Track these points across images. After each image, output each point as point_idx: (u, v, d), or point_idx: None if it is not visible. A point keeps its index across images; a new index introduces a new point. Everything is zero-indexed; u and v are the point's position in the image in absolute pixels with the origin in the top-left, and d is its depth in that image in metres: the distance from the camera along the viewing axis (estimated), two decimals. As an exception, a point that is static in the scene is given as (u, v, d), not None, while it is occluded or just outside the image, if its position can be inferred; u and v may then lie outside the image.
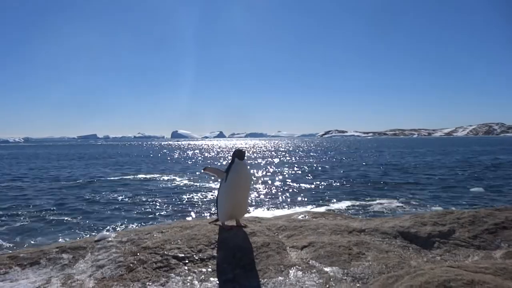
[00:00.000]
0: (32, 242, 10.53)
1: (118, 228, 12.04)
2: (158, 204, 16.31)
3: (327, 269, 3.32)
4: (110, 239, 4.04)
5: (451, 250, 3.72)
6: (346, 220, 4.72)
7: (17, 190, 21.21)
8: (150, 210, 15.25)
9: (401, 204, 15.29)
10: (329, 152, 70.88)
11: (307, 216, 6.49)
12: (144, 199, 17.77)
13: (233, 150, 4.20)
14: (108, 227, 12.22)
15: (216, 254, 3.56)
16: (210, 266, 3.41)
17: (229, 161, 4.14)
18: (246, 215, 4.97)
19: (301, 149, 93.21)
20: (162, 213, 14.62)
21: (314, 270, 3.29)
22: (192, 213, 14.41)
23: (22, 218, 13.81)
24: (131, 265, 3.48)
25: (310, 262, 3.45)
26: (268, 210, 14.94)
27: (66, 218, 13.85)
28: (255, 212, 14.12)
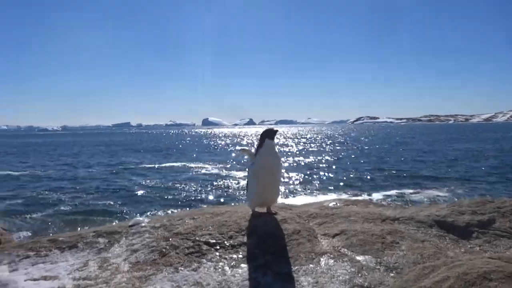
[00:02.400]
0: (70, 226, 10.99)
1: (150, 214, 12.33)
2: (190, 191, 16.66)
3: (359, 257, 3.25)
4: (143, 224, 4.13)
5: (491, 241, 3.56)
6: (379, 208, 4.62)
7: (51, 178, 22.18)
8: (182, 196, 15.61)
9: (440, 194, 14.86)
10: (362, 139, 69.64)
11: (338, 204, 6.41)
12: (176, 185, 18.22)
13: (264, 130, 3.88)
14: (142, 213, 12.53)
15: (246, 241, 3.57)
16: (240, 253, 3.42)
17: (259, 141, 3.84)
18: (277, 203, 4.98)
19: (333, 136, 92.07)
20: (193, 199, 14.97)
21: (346, 259, 3.23)
22: (222, 199, 14.67)
23: (63, 202, 14.48)
24: (163, 250, 3.54)
25: (342, 250, 3.39)
26: (299, 197, 14.92)
27: (102, 202, 14.41)
28: (285, 200, 14.15)
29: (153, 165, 28.92)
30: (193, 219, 4.17)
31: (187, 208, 13.01)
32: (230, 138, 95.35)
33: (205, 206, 12.69)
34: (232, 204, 13.38)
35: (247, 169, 4.04)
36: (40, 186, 18.58)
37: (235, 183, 18.78)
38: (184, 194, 16.00)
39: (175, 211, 12.38)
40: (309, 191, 16.45)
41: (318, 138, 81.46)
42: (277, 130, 3.84)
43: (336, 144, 54.79)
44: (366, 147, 46.47)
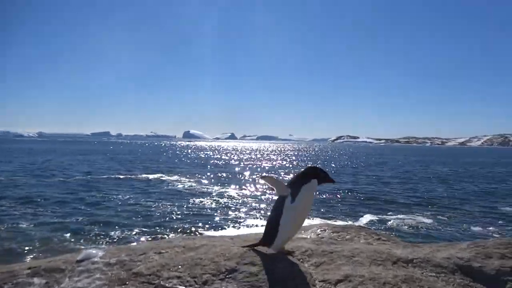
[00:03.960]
0: (2, 258, 8.33)
1: (108, 242, 10.65)
2: (162, 210, 15.10)
3: (372, 318, 2.50)
4: (95, 259, 3.28)
5: None
6: (386, 246, 3.89)
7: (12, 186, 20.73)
8: (151, 216, 14.00)
9: (430, 221, 14.28)
10: (345, 157, 69.75)
11: (327, 231, 5.70)
12: (148, 203, 16.72)
13: (310, 166, 3.23)
14: (98, 240, 10.85)
15: (225, 289, 2.77)
16: (217, 305, 2.63)
17: (298, 176, 3.20)
18: (258, 232, 4.25)
19: (316, 153, 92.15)
20: (164, 221, 13.34)
21: (355, 320, 2.48)
22: (200, 224, 13.10)
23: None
24: (116, 298, 2.71)
25: (348, 306, 2.64)
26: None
27: (52, 222, 12.50)
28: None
29: (126, 176, 27.73)
30: (160, 253, 3.34)
31: (156, 233, 11.60)
32: (211, 151, 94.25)
33: (177, 234, 11.26)
34: (210, 232, 11.94)
35: (279, 203, 3.16)
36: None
37: (214, 202, 17.70)
38: (155, 215, 14.33)
39: (142, 239, 10.89)
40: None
41: (297, 154, 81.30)
42: (334, 181, 3.29)
43: (320, 162, 54.49)
44: (349, 166, 46.27)
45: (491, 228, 13.53)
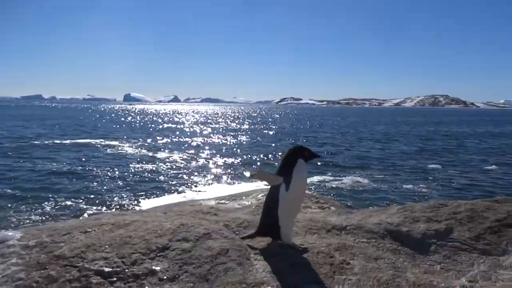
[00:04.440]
0: None
1: (30, 222, 9.26)
2: (95, 181, 13.79)
3: (304, 289, 2.51)
4: (12, 242, 2.98)
5: (451, 256, 3.04)
6: (322, 213, 3.94)
7: None
8: (82, 189, 12.69)
9: (367, 181, 14.99)
10: (290, 118, 70.97)
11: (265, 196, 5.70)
12: (79, 173, 15.09)
13: (294, 147, 3.12)
14: (18, 220, 9.50)
15: (156, 268, 2.64)
16: (146, 286, 2.49)
17: (285, 160, 3.06)
18: (187, 203, 4.15)
19: (260, 115, 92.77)
20: (97, 194, 12.15)
21: (288, 292, 2.47)
22: (136, 195, 12.14)
23: None
24: (34, 285, 2.48)
25: (282, 277, 2.62)
26: (218, 185, 14.03)
27: None
28: (203, 190, 13.17)
29: (60, 142, 26.15)
30: (85, 233, 3.11)
31: (85, 213, 10.26)
32: (153, 114, 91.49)
33: (108, 209, 10.35)
34: (147, 202, 11.22)
35: (274, 193, 3.02)
36: None
37: (154, 169, 16.95)
38: (87, 186, 13.10)
39: (67, 217, 9.53)
40: (229, 176, 15.60)
41: (241, 117, 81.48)
42: (319, 155, 3.20)
43: (264, 124, 54.99)
44: (294, 127, 47.21)
45: (421, 185, 14.53)
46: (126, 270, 2.61)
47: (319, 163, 18.15)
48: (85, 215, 9.94)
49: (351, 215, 3.70)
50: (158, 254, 2.77)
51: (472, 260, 2.99)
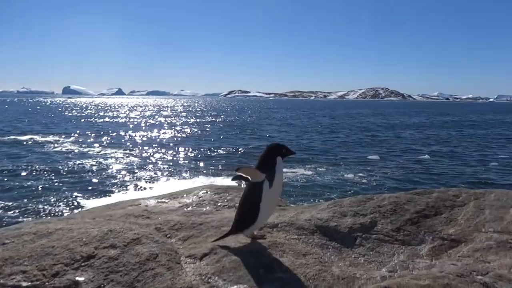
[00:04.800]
0: None
1: None
2: (21, 183, 12.79)
3: (233, 289, 2.54)
4: None
5: (374, 248, 3.21)
6: (255, 212, 3.98)
7: None
8: (7, 192, 11.64)
9: (310, 173, 15.40)
10: (237, 110, 70.95)
11: (209, 192, 5.71)
12: (8, 173, 14.03)
13: (271, 144, 3.21)
14: None
15: (79, 279, 2.54)
16: (68, 299, 2.40)
17: (264, 158, 3.10)
18: (127, 202, 4.04)
19: (207, 108, 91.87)
20: (19, 197, 11.29)
21: (216, 294, 2.49)
22: (71, 198, 11.40)
23: None
24: None
25: (211, 280, 2.63)
26: (162, 183, 13.75)
27: None
28: (152, 187, 12.89)
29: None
30: (3, 245, 2.91)
31: (5, 221, 9.26)
32: (95, 108, 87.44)
33: (31, 217, 9.46)
34: (79, 208, 10.35)
35: (256, 189, 3.04)
36: None
37: (90, 168, 16.08)
38: (11, 189, 11.99)
39: None
40: (173, 173, 15.35)
41: (187, 110, 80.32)
42: (295, 152, 3.33)
43: (210, 118, 54.57)
44: (241, 120, 47.32)
45: (360, 174, 15.24)
46: (47, 284, 2.49)
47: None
48: (4, 224, 9.17)
49: (283, 212, 3.79)
50: (82, 264, 2.67)
51: (393, 251, 3.18)
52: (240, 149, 21.80)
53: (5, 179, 13.45)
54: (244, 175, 3.15)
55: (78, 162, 17.11)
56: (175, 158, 19.00)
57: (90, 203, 10.29)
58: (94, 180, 13.81)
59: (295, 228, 3.42)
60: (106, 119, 50.77)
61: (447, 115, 74.01)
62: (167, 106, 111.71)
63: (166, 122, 45.92)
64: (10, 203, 10.90)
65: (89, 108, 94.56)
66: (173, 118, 53.33)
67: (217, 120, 49.80)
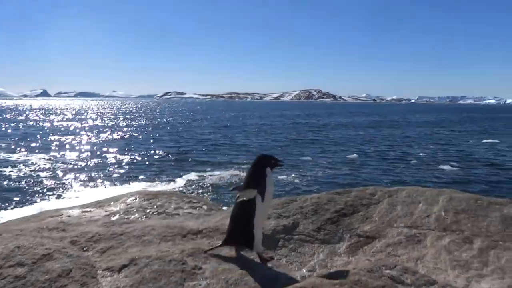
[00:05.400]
0: None
1: None
2: None
3: (151, 302, 2.48)
4: None
5: (296, 249, 3.31)
6: (180, 218, 3.93)
7: None
8: None
9: (239, 173, 15.46)
10: (172, 112, 69.39)
11: (137, 199, 5.55)
12: None
13: (260, 156, 3.21)
14: None
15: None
16: (-35, 326, 2.18)
17: (254, 170, 3.13)
18: (48, 213, 3.81)
19: (140, 110, 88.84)
20: None
21: (133, 308, 2.41)
22: None
23: None
24: None
25: (130, 293, 2.55)
26: (89, 190, 13.04)
27: None
28: (77, 195, 12.15)
29: None
30: None
31: None
32: (15, 112, 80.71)
33: None
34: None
35: (249, 203, 3.03)
36: None
37: (11, 175, 14.87)
38: None
39: None
40: (102, 179, 14.59)
41: (118, 112, 77.18)
42: (283, 163, 3.28)
43: (143, 120, 52.83)
44: (171, 124, 46.36)
45: (293, 175, 15.64)
46: None
47: (199, 159, 18.23)
48: None
49: (208, 218, 3.78)
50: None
51: (314, 250, 3.30)
52: (172, 152, 21.37)
53: None
54: (239, 194, 3.15)
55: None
56: (103, 163, 18.12)
57: (8, 215, 9.47)
58: (12, 190, 12.69)
59: (219, 233, 3.42)
60: (29, 122, 47.11)
61: (373, 115, 78.75)
62: (97, 108, 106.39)
63: (95, 125, 43.67)
64: None
65: (8, 111, 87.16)
66: (102, 121, 50.88)
67: (150, 122, 48.41)
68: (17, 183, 13.59)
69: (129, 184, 13.18)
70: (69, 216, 5.01)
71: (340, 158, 20.90)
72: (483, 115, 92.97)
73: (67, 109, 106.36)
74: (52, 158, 19.39)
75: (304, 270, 3.01)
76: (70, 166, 17.37)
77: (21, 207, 10.95)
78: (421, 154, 22.59)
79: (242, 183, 3.19)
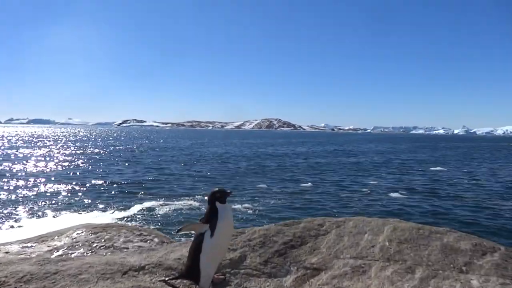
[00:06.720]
0: None
1: None
2: None
3: None
4: None
5: (242, 283, 3.24)
6: (121, 254, 3.75)
7: None
8: None
9: (192, 203, 15.16)
10: (127, 140, 67.65)
11: (84, 233, 5.32)
12: None
13: (211, 191, 3.17)
14: None
15: None
16: None
17: (207, 208, 3.14)
18: None
19: (95, 138, 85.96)
20: None
21: None
22: None
23: None
24: None
25: None
26: (39, 219, 12.32)
27: None
28: (20, 228, 11.32)
29: None
30: None
31: None
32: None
33: None
34: None
35: (198, 238, 3.08)
36: None
37: None
38: None
39: None
40: (48, 210, 13.76)
41: (73, 140, 74.37)
42: (230, 192, 3.19)
43: (89, 148, 51.09)
44: (131, 152, 45.17)
45: (246, 204, 15.52)
46: None
47: (153, 189, 17.75)
48: None
49: (152, 252, 3.64)
50: None
51: (260, 285, 3.24)
52: (125, 182, 20.68)
53: None
54: (188, 231, 3.29)
55: None
56: (51, 193, 17.17)
57: None
58: None
59: (162, 269, 3.30)
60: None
61: (331, 144, 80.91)
62: (49, 136, 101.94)
63: (45, 154, 41.68)
64: None
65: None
66: (54, 149, 48.72)
67: (104, 151, 46.93)
68: None
69: (79, 214, 12.52)
70: (6, 252, 4.67)
71: (295, 187, 21.06)
72: (433, 144, 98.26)
73: (16, 136, 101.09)
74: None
75: (249, 306, 2.93)
76: (14, 196, 16.32)
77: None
78: (372, 182, 23.28)
79: (187, 223, 3.27)
